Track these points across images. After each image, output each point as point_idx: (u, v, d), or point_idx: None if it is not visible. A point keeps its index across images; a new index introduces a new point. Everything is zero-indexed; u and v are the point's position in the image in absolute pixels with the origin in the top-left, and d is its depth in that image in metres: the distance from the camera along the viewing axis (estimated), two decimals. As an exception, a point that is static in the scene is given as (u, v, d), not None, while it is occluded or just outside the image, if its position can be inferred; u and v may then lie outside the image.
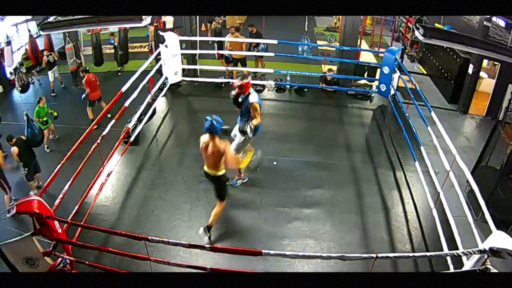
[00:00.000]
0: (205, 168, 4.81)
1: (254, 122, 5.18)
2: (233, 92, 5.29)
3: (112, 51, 10.64)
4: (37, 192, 5.79)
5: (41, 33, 7.49)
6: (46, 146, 6.89)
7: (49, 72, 9.18)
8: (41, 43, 10.33)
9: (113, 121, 5.88)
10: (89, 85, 7.57)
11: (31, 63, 9.94)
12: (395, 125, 7.53)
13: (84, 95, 7.67)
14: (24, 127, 6.10)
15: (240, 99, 5.29)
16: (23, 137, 5.90)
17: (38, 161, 6.01)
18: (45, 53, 9.32)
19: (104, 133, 5.57)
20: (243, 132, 5.24)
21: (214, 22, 12.27)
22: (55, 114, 7.09)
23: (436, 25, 7.36)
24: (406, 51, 11.67)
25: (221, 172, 4.75)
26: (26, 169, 5.78)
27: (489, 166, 6.06)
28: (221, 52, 9.37)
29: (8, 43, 9.60)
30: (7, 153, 6.20)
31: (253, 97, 5.18)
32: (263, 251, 3.23)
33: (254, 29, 9.45)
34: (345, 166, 6.43)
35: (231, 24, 13.49)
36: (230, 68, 9.20)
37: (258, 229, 5.14)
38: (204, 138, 4.63)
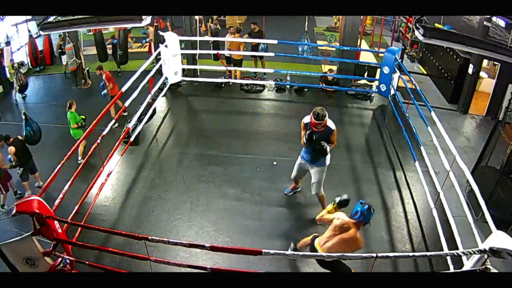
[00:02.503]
0: (318, 247, 3.98)
1: (332, 146, 4.78)
2: (316, 131, 4.62)
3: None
4: (31, 192, 5.81)
5: (41, 33, 7.48)
6: (80, 157, 6.41)
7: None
8: (40, 44, 10.34)
9: (113, 121, 5.88)
10: (111, 80, 7.63)
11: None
12: (395, 125, 7.53)
13: (105, 91, 7.66)
14: (23, 127, 6.12)
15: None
16: (20, 137, 5.90)
17: (42, 161, 6.01)
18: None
19: (104, 133, 5.58)
20: (323, 151, 4.67)
21: (209, 22, 12.28)
22: (83, 117, 6.60)
23: (436, 25, 7.34)
24: (406, 51, 11.66)
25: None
26: (21, 169, 5.78)
27: (489, 166, 6.05)
28: (221, 52, 9.37)
29: (8, 43, 9.61)
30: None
31: (332, 123, 4.71)
32: (263, 251, 3.23)
33: (257, 27, 9.45)
34: (345, 166, 6.43)
35: (231, 24, 13.48)
36: (230, 68, 9.20)
37: (258, 229, 5.14)
38: (344, 218, 3.88)
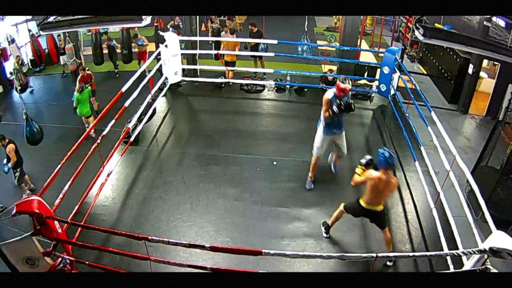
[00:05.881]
0: (369, 206, 4.47)
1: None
2: (343, 95, 5.18)
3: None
4: (29, 193, 5.82)
5: (41, 33, 7.49)
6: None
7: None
8: (42, 43, 10.35)
9: (113, 121, 5.88)
10: (85, 79, 7.81)
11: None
12: (395, 125, 7.52)
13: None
14: (24, 127, 6.11)
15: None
16: (13, 140, 5.88)
17: (41, 161, 6.01)
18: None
19: (104, 133, 5.58)
20: (351, 106, 5.27)
21: (209, 22, 12.31)
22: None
23: (436, 25, 7.35)
24: (406, 51, 11.68)
25: (382, 206, 4.53)
26: (19, 170, 5.75)
27: (489, 166, 6.07)
28: (221, 52, 9.37)
29: (12, 41, 9.62)
30: None
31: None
32: (263, 251, 3.23)
33: (255, 28, 9.44)
34: (345, 166, 6.42)
35: (231, 24, 13.51)
36: (230, 68, 9.20)
37: (258, 229, 5.13)
38: (375, 174, 4.33)
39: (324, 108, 5.26)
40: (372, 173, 4.35)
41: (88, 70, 8.30)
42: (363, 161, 4.54)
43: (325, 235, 5.01)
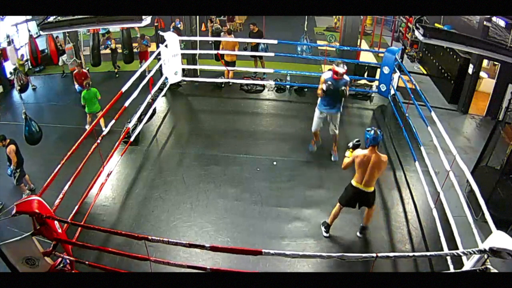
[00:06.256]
0: (359, 185, 4.64)
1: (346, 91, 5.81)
2: (337, 78, 5.65)
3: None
4: (29, 193, 5.82)
5: (41, 33, 7.48)
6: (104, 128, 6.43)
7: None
8: (41, 43, 10.34)
9: (113, 121, 5.88)
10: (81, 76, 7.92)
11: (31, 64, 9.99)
12: (395, 125, 7.52)
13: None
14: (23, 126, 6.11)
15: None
16: (14, 140, 5.87)
17: (41, 161, 6.00)
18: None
19: (104, 133, 5.58)
20: (344, 93, 5.73)
21: (209, 22, 12.31)
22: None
23: (436, 25, 7.35)
24: (406, 51, 11.68)
25: (373, 188, 4.68)
26: (19, 170, 5.75)
27: (489, 166, 6.06)
28: (221, 52, 9.37)
29: (11, 42, 9.62)
30: None
31: (347, 77, 5.87)
32: (263, 251, 3.23)
33: (256, 28, 9.44)
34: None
35: (230, 25, 13.51)
36: (230, 69, 9.20)
37: (258, 229, 5.13)
38: (360, 152, 4.55)
39: (320, 86, 5.80)
40: (358, 152, 4.59)
41: (84, 69, 8.33)
42: (350, 144, 4.77)
43: (325, 234, 5.03)
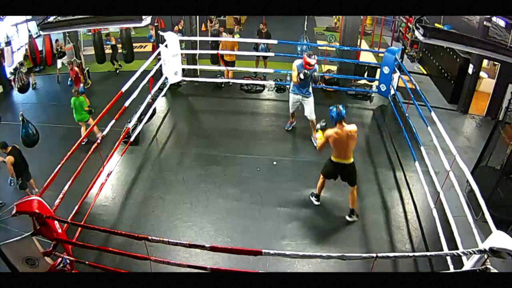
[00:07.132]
0: (338, 160, 4.96)
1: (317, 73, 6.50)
2: (308, 68, 6.26)
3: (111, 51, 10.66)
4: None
5: (41, 33, 7.47)
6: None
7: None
8: (40, 44, 10.34)
9: (113, 121, 5.87)
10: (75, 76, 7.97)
11: (31, 64, 9.96)
12: (395, 125, 7.52)
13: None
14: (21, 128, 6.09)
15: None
16: (17, 146, 5.83)
17: (41, 162, 5.98)
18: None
19: (104, 133, 5.58)
20: (315, 79, 6.50)
21: (208, 22, 12.29)
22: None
23: (436, 25, 7.34)
24: (406, 51, 11.66)
25: (352, 159, 5.00)
26: (20, 179, 5.70)
27: (489, 166, 6.06)
28: (221, 52, 9.37)
29: (8, 43, 9.61)
30: None
31: (317, 66, 6.54)
32: (263, 251, 3.23)
33: (265, 28, 9.47)
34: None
35: (231, 24, 13.50)
36: (230, 69, 9.20)
37: (258, 229, 5.14)
38: (331, 131, 4.84)
39: (294, 74, 6.42)
40: (329, 132, 4.86)
41: (84, 69, 8.29)
42: (318, 126, 5.14)
43: (316, 203, 5.45)
